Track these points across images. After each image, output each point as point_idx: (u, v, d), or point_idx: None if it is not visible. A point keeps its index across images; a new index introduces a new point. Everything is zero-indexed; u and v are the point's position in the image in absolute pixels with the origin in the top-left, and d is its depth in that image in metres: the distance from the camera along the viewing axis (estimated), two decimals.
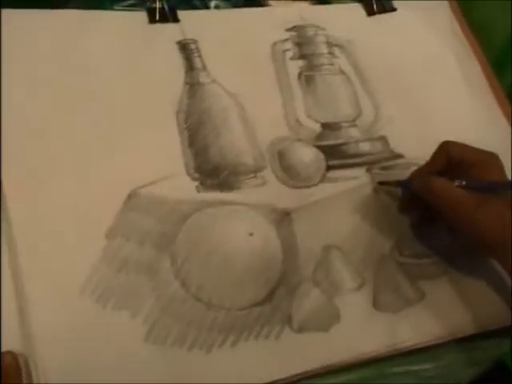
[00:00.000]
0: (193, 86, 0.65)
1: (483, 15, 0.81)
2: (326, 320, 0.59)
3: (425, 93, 0.73)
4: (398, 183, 0.63)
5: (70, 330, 0.54)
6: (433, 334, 0.61)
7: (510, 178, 0.59)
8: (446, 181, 0.58)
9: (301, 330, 0.58)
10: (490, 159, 0.59)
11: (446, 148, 0.60)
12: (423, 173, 0.61)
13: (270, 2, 0.76)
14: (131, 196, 0.59)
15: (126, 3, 0.70)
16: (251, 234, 0.60)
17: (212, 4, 0.73)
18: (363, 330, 0.60)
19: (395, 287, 0.62)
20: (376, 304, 0.61)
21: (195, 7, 0.72)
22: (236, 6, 0.74)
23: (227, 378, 0.55)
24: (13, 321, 0.53)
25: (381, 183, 0.65)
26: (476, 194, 0.56)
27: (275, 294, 0.59)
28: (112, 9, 0.69)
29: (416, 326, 0.61)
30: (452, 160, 0.59)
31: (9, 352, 0.52)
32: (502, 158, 0.59)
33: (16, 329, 0.53)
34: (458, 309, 0.62)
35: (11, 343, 0.52)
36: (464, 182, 0.58)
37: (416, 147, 0.68)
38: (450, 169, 0.59)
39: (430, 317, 0.61)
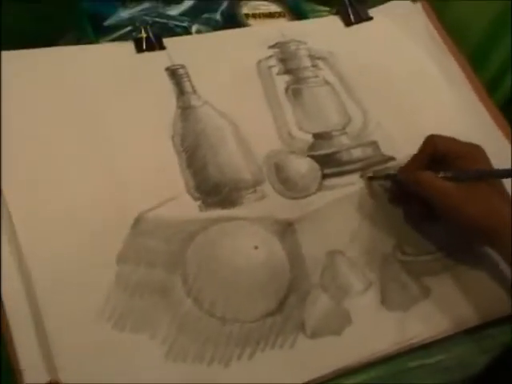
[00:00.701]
0: (185, 109, 0.67)
1: (457, 16, 0.84)
2: (338, 323, 0.61)
3: (409, 95, 0.76)
4: (387, 176, 0.66)
5: (90, 356, 0.55)
6: (441, 328, 0.62)
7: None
8: (431, 173, 0.60)
9: (314, 335, 0.60)
10: (474, 150, 0.61)
11: (431, 141, 0.62)
12: (410, 166, 0.63)
13: (250, 22, 0.78)
14: (138, 220, 0.60)
15: (111, 36, 0.71)
16: (256, 247, 0.62)
17: (193, 29, 0.75)
18: (374, 330, 0.61)
19: (401, 285, 0.64)
20: (384, 303, 0.63)
21: (178, 34, 0.74)
22: (216, 28, 0.76)
23: None
24: (34, 351, 0.54)
25: (370, 178, 0.67)
26: (462, 184, 0.59)
27: (286, 303, 0.60)
28: (99, 42, 0.71)
29: (424, 321, 0.62)
30: (438, 152, 0.61)
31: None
32: (485, 148, 0.62)
33: (38, 358, 0.54)
34: (462, 301, 0.64)
35: (34, 372, 0.53)
36: (449, 174, 0.60)
37: (406, 148, 0.69)
38: (436, 161, 0.61)
39: (436, 311, 0.63)
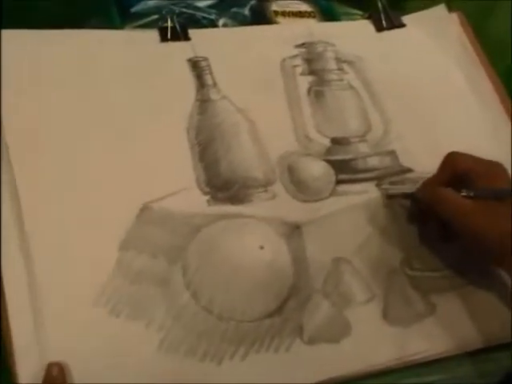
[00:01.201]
0: (203, 102, 0.66)
1: (496, 33, 0.82)
2: (337, 332, 0.60)
3: (434, 107, 0.74)
4: (406, 195, 0.64)
5: (84, 340, 0.54)
6: (443, 347, 0.61)
7: None
8: (452, 191, 0.58)
9: (311, 341, 0.59)
10: (496, 169, 0.59)
11: (451, 159, 0.60)
12: (430, 184, 0.61)
13: (279, 20, 0.77)
14: (143, 210, 0.60)
15: (137, 23, 0.71)
16: (262, 247, 0.61)
17: (220, 22, 0.74)
18: (373, 343, 0.60)
19: (406, 300, 0.63)
20: (386, 317, 0.61)
21: (204, 26, 0.74)
22: (243, 23, 0.75)
23: None
24: (28, 333, 0.54)
25: (389, 196, 0.66)
26: (483, 203, 0.57)
27: (286, 306, 0.59)
28: (123, 28, 0.70)
29: (426, 339, 0.61)
30: (458, 171, 0.59)
31: (55, 363, 0.53)
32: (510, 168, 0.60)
33: (31, 341, 0.53)
34: (467, 323, 0.62)
35: (27, 355, 0.53)
36: (472, 193, 0.58)
37: (425, 161, 0.68)
38: (457, 180, 0.59)
39: (440, 330, 0.62)
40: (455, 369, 0.61)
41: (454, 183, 0.59)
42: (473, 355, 0.61)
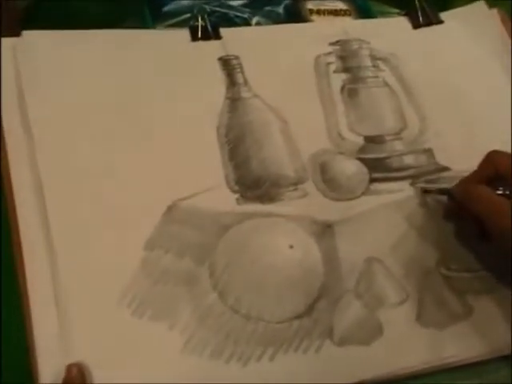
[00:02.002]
0: (234, 101, 0.66)
1: None
2: (368, 333, 0.58)
3: (472, 105, 0.72)
4: (443, 191, 0.62)
5: (106, 341, 0.54)
6: (479, 351, 0.59)
7: None
8: (487, 188, 0.56)
9: (342, 343, 0.57)
10: None
11: (492, 158, 0.58)
12: (467, 181, 0.59)
13: (314, 18, 0.76)
14: (171, 208, 0.59)
15: (168, 22, 0.71)
16: (291, 247, 0.60)
17: (253, 21, 0.74)
18: (406, 345, 0.58)
19: (441, 302, 0.61)
20: (420, 319, 0.59)
21: (237, 25, 0.73)
22: (277, 22, 0.74)
23: None
24: (51, 333, 0.53)
25: (425, 191, 0.64)
26: None
27: (316, 307, 0.58)
28: (155, 28, 0.70)
29: (462, 342, 0.59)
30: (498, 170, 0.57)
31: (74, 364, 0.52)
32: None
33: (54, 341, 0.53)
34: (505, 326, 0.60)
35: (49, 355, 0.53)
36: (508, 191, 0.56)
37: (463, 160, 0.67)
38: (496, 179, 0.57)
39: (476, 333, 0.60)
40: (492, 374, 0.59)
41: (492, 182, 0.57)
42: (507, 359, 0.59)
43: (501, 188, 0.56)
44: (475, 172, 0.59)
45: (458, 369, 0.58)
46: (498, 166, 0.57)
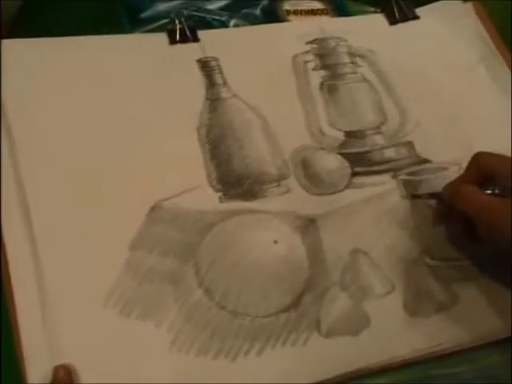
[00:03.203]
0: (214, 101, 0.66)
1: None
2: (355, 324, 0.58)
3: (451, 97, 0.72)
4: (432, 195, 0.62)
5: (94, 341, 0.54)
6: (467, 338, 0.59)
7: None
8: (475, 188, 0.57)
9: (329, 334, 0.57)
10: None
11: (478, 159, 0.58)
12: (456, 182, 0.59)
13: (291, 19, 0.77)
14: (154, 208, 0.59)
15: (147, 28, 0.71)
16: (276, 242, 0.60)
17: (231, 23, 0.74)
18: (394, 335, 0.59)
19: (427, 291, 0.61)
20: (407, 308, 0.60)
21: (214, 28, 0.74)
22: (255, 23, 0.75)
23: None
24: (38, 334, 0.54)
25: (415, 196, 0.64)
26: (507, 201, 0.54)
27: (302, 300, 0.58)
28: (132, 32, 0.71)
29: (449, 329, 0.59)
30: (485, 170, 0.57)
31: (62, 366, 0.52)
32: None
33: (41, 342, 0.53)
34: (492, 312, 0.60)
35: (36, 356, 0.53)
36: (496, 190, 0.57)
37: (443, 151, 0.68)
38: (484, 180, 0.57)
39: (463, 320, 0.60)
40: (482, 359, 0.59)
41: (481, 183, 0.57)
42: (500, 345, 0.59)
43: (490, 188, 0.57)
44: (463, 174, 0.59)
45: (449, 356, 0.59)
46: (484, 167, 0.57)
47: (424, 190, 0.64)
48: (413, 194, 0.64)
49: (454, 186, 0.59)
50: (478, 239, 0.58)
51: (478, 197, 0.56)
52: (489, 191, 0.57)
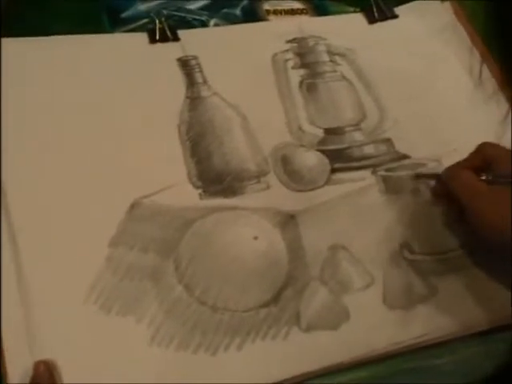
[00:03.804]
0: (194, 99, 0.66)
1: None
2: (335, 318, 0.59)
3: (429, 95, 0.73)
4: (433, 176, 0.64)
5: (74, 338, 0.54)
6: (446, 330, 0.60)
7: None
8: (470, 173, 0.58)
9: (309, 328, 0.58)
10: None
11: (481, 146, 0.60)
12: (455, 166, 0.61)
13: (271, 18, 0.77)
14: (134, 205, 0.60)
15: (127, 28, 0.72)
16: (256, 238, 0.60)
17: (211, 23, 0.75)
18: (374, 328, 0.59)
19: (406, 284, 0.62)
20: (386, 301, 0.60)
21: (195, 27, 0.74)
22: (235, 23, 0.75)
23: (233, 380, 0.55)
24: (19, 329, 0.54)
25: (416, 176, 0.65)
26: (497, 188, 0.57)
27: (282, 295, 0.59)
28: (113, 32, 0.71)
29: (428, 321, 0.60)
30: (485, 157, 0.59)
31: (42, 361, 0.52)
32: None
33: (21, 340, 0.53)
34: (470, 304, 0.61)
35: (17, 354, 0.53)
36: (490, 177, 0.58)
37: (421, 147, 0.69)
38: (484, 168, 0.59)
39: (442, 312, 0.61)
40: (462, 350, 0.60)
41: (480, 171, 0.59)
42: (479, 336, 0.60)
43: (483, 174, 0.58)
44: (464, 159, 0.61)
45: (428, 348, 0.59)
46: (485, 154, 0.60)
47: (403, 185, 0.65)
48: (415, 174, 0.65)
49: (453, 168, 0.61)
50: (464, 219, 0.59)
51: (469, 180, 0.58)
52: (483, 177, 0.58)
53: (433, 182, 0.64)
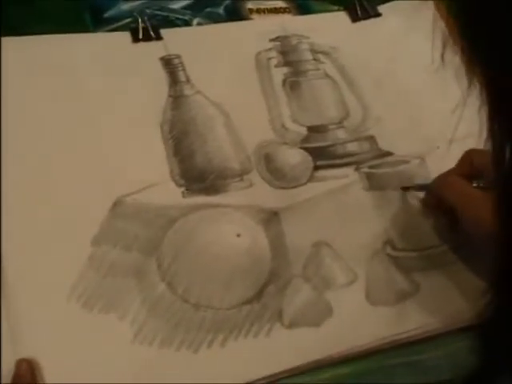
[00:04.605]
0: (177, 98, 0.66)
1: None
2: (318, 315, 0.59)
3: (412, 92, 0.73)
4: (421, 187, 0.64)
5: (57, 336, 0.54)
6: (430, 325, 0.60)
7: None
8: (462, 180, 0.59)
9: (292, 325, 0.58)
10: None
11: (469, 154, 0.60)
12: (445, 174, 0.61)
13: (254, 17, 0.77)
14: (117, 204, 0.60)
15: (110, 27, 0.71)
16: (239, 235, 0.60)
17: (194, 22, 0.75)
18: (357, 324, 0.59)
19: (389, 280, 0.62)
20: (369, 298, 0.61)
21: (178, 27, 0.74)
22: (218, 22, 0.75)
23: (216, 377, 0.55)
24: (2, 328, 0.53)
25: (404, 188, 0.65)
26: (488, 194, 0.56)
27: (265, 292, 0.59)
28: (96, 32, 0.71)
29: (411, 317, 0.60)
30: (474, 165, 0.60)
31: (24, 360, 0.52)
32: None
33: (4, 339, 0.53)
34: (453, 300, 0.62)
35: (1, 350, 0.53)
36: (481, 183, 0.58)
37: (404, 144, 0.69)
38: (474, 175, 0.59)
39: (425, 308, 0.61)
40: (446, 346, 0.60)
41: (470, 178, 0.59)
42: (463, 331, 0.60)
43: (475, 181, 0.59)
44: (454, 167, 0.61)
45: (412, 344, 0.59)
46: (473, 161, 0.60)
47: (386, 182, 0.65)
48: (402, 187, 0.65)
49: (443, 177, 0.61)
50: (458, 229, 0.60)
51: (463, 188, 0.59)
52: (475, 184, 0.59)
53: (421, 194, 0.65)
